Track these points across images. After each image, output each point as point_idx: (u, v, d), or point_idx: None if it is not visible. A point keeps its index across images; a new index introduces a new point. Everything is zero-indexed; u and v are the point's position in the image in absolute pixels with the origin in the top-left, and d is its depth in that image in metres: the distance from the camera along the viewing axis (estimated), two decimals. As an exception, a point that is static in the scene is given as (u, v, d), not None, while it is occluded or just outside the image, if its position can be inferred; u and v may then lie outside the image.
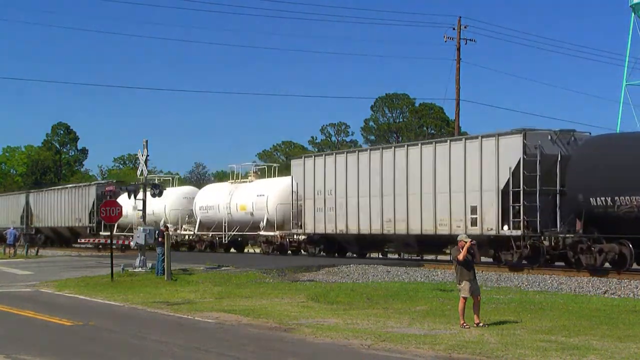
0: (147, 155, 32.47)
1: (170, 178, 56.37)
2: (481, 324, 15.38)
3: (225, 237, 43.95)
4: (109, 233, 47.36)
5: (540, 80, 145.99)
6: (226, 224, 43.34)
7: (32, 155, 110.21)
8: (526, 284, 24.12)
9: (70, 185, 62.91)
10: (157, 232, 31.07)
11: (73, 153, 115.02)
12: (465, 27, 48.21)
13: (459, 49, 47.83)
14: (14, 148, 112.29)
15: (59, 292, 24.91)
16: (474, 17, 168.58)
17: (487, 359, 12.24)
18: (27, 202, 66.11)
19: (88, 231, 55.12)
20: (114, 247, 34.20)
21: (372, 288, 22.99)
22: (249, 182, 43.86)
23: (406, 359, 12.49)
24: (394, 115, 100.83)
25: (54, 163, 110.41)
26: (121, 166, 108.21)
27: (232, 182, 45.53)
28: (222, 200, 43.92)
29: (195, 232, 46.53)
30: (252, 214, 41.40)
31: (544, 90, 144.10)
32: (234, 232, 43.24)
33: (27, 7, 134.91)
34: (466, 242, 15.74)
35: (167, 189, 49.94)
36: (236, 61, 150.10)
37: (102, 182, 61.35)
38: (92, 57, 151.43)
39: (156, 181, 51.31)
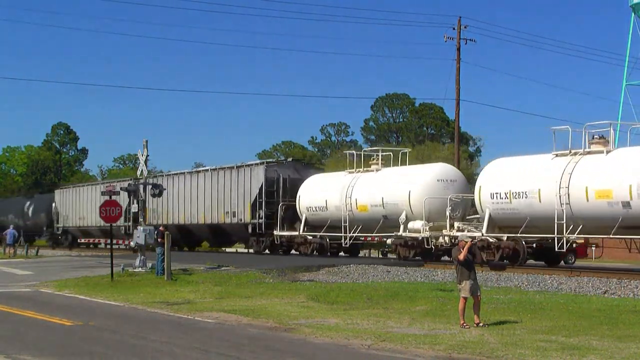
0: (147, 155, 32.53)
1: (393, 152, 37.13)
2: (481, 324, 15.39)
3: (561, 243, 26.81)
4: (294, 232, 37.91)
5: (541, 80, 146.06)
6: (562, 222, 26.52)
7: (32, 155, 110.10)
8: (526, 284, 24.11)
9: (210, 168, 44.78)
10: (156, 232, 31.08)
11: (73, 153, 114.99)
12: (465, 27, 48.16)
13: (459, 49, 47.80)
14: (14, 148, 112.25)
15: (59, 292, 24.92)
16: (474, 17, 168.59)
17: (487, 359, 12.25)
18: None
19: (249, 230, 39.81)
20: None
21: (372, 288, 22.99)
22: (605, 153, 26.59)
23: (406, 359, 12.50)
24: (394, 115, 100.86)
25: (54, 163, 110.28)
26: (121, 166, 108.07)
27: (560, 154, 27.85)
28: (545, 183, 27.48)
29: (484, 234, 29.17)
30: (627, 204, 25.02)
31: (544, 90, 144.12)
32: (577, 235, 26.82)
33: (27, 7, 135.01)
34: (467, 242, 15.76)
35: (406, 167, 35.41)
36: (236, 61, 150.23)
37: (272, 160, 44.81)
38: (92, 57, 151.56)
39: (362, 154, 37.43)
